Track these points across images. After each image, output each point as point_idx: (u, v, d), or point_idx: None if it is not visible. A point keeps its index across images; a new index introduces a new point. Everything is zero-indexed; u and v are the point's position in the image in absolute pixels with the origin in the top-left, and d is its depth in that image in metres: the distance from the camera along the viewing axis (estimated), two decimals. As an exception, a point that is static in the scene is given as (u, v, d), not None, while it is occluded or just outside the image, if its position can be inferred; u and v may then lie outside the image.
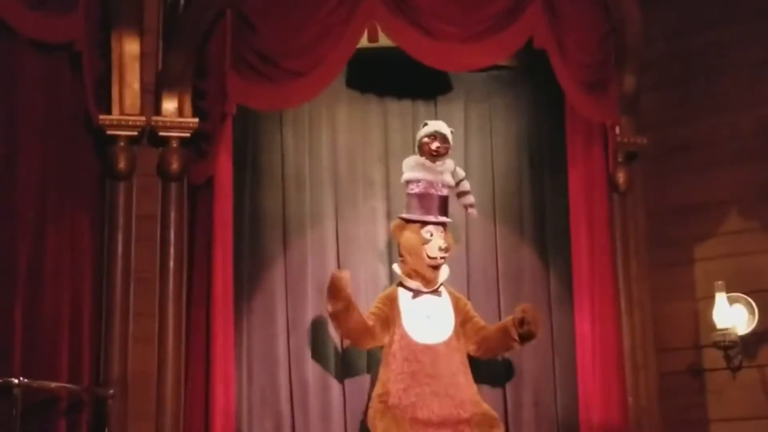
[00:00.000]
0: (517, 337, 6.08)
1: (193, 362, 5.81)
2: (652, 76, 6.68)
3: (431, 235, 6.12)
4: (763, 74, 6.47)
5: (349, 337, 6.12)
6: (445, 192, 6.25)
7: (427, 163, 6.23)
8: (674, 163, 6.68)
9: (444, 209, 6.23)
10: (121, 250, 5.86)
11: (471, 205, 6.35)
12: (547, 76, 6.23)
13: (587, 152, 6.47)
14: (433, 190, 6.20)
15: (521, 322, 6.05)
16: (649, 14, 6.53)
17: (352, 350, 6.34)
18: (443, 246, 6.11)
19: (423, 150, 6.26)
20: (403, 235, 6.18)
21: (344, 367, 6.33)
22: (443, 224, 6.20)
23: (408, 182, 6.26)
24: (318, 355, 6.33)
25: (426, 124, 6.33)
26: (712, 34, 6.67)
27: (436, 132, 6.25)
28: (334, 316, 5.95)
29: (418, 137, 6.31)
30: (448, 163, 6.30)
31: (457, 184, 6.32)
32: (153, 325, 5.83)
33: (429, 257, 6.10)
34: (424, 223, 6.15)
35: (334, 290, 5.90)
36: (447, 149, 6.27)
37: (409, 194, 6.25)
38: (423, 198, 6.19)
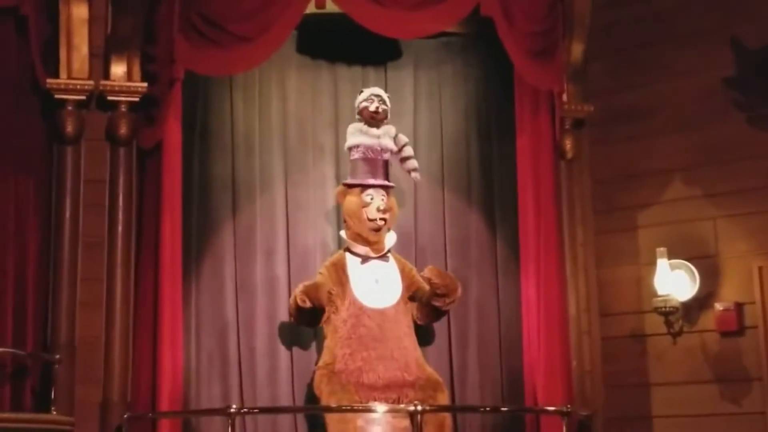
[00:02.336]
0: (432, 300, 6.11)
1: (141, 327, 5.86)
2: (600, 44, 6.75)
3: (371, 198, 6.19)
4: (707, 41, 6.54)
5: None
6: (385, 156, 6.31)
7: (365, 128, 6.31)
8: (620, 130, 6.77)
9: (385, 173, 6.29)
10: (69, 215, 5.86)
11: (414, 170, 6.41)
12: (497, 43, 6.27)
13: (535, 120, 6.55)
14: (372, 155, 6.27)
15: (428, 281, 6.10)
16: (596, -18, 6.60)
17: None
18: (382, 207, 6.17)
19: (363, 115, 6.34)
20: (345, 199, 6.26)
21: (292, 332, 6.38)
22: (385, 188, 6.26)
23: (350, 149, 6.34)
24: (266, 320, 6.38)
25: (362, 91, 6.39)
26: (658, 1, 6.73)
27: (373, 95, 6.33)
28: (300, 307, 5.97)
29: (356, 103, 6.37)
30: (388, 129, 6.35)
31: (400, 149, 6.37)
32: (101, 290, 5.85)
33: (369, 219, 6.17)
34: (365, 187, 6.22)
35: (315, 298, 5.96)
36: (386, 112, 6.34)
37: (351, 160, 6.34)
38: (362, 163, 6.27)
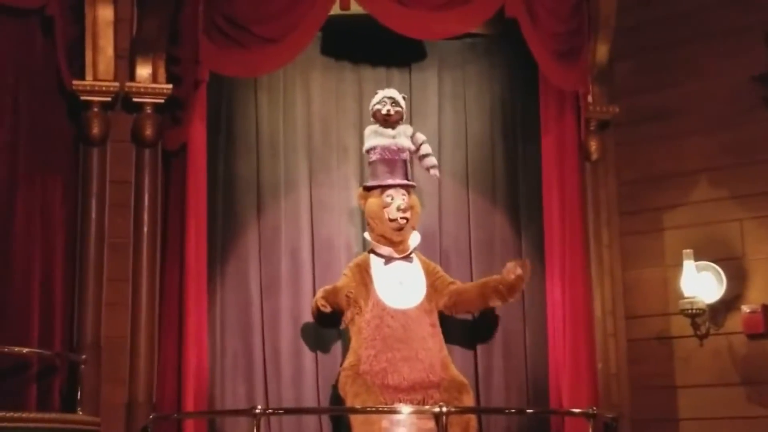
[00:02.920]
0: (492, 294, 6.12)
1: (166, 327, 5.87)
2: (625, 45, 6.70)
3: (392, 198, 6.20)
4: (733, 42, 6.49)
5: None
6: (403, 156, 6.32)
7: (380, 129, 6.32)
8: (646, 131, 6.72)
9: (404, 173, 6.30)
10: (95, 216, 5.89)
11: (432, 167, 6.41)
12: (522, 44, 6.25)
13: (560, 120, 6.52)
14: (389, 155, 6.28)
15: (520, 265, 6.12)
16: (621, -18, 6.56)
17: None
18: (402, 206, 6.17)
19: (376, 118, 6.36)
20: (367, 202, 6.26)
21: (317, 332, 6.37)
22: (405, 188, 6.26)
23: (368, 152, 6.36)
24: (291, 320, 6.38)
25: (377, 93, 6.41)
26: (683, 1, 6.68)
27: (385, 97, 6.35)
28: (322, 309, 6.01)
29: (370, 106, 6.39)
30: (404, 128, 6.36)
31: (418, 148, 6.37)
32: (126, 290, 5.87)
33: (390, 219, 6.18)
34: (385, 188, 6.22)
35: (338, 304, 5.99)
36: (399, 113, 6.36)
37: (369, 163, 6.36)
38: (381, 164, 6.29)
